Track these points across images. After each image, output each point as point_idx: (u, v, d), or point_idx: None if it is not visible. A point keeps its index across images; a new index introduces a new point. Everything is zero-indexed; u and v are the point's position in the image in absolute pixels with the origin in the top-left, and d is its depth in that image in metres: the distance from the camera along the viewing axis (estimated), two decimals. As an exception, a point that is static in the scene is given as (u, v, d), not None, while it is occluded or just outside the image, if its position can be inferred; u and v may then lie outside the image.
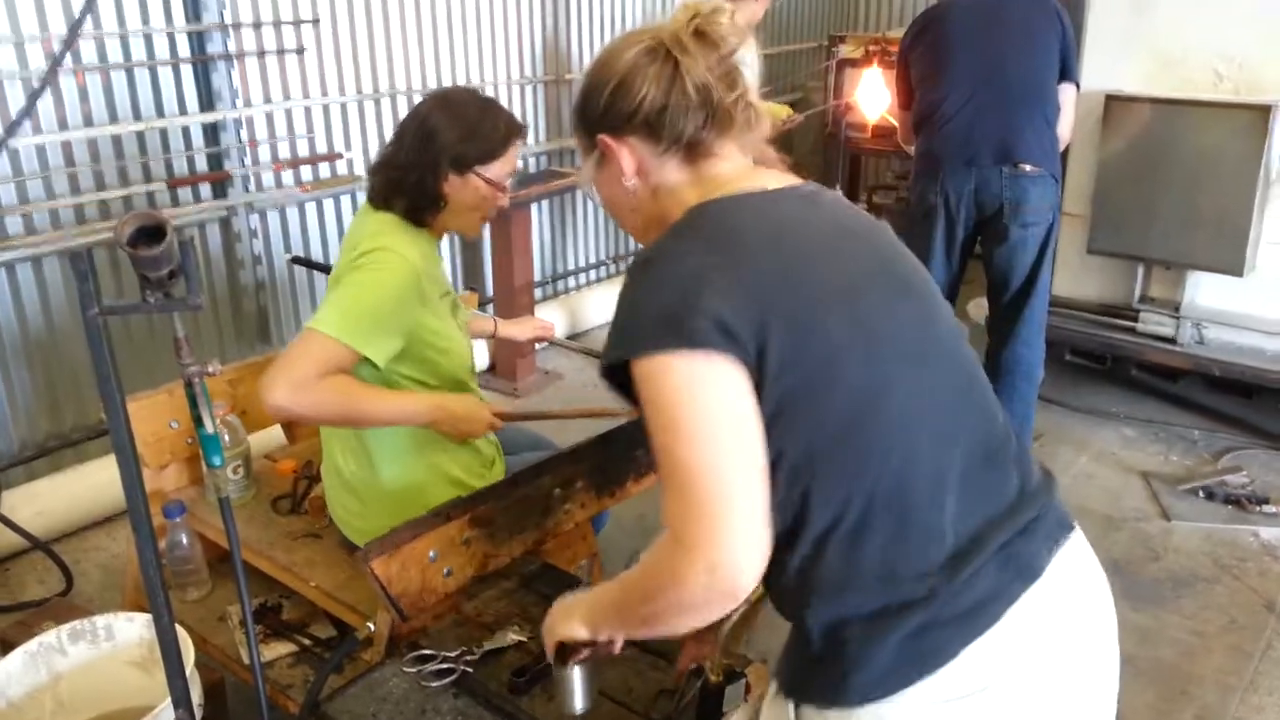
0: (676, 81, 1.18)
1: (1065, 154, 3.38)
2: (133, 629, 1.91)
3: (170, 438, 2.31)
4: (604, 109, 1.23)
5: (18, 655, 1.82)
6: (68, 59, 2.99)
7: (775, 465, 1.04)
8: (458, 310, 2.10)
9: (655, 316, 1.04)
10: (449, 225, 2.00)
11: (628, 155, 1.22)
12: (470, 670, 1.70)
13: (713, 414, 1.00)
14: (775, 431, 1.04)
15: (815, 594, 1.08)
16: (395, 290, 1.80)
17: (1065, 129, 3.24)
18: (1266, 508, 3.34)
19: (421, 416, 1.91)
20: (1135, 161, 3.65)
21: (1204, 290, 3.75)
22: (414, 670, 1.73)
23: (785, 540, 1.07)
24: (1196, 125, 3.50)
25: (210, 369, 1.28)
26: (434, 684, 1.69)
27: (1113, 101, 3.63)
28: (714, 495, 0.98)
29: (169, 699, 1.62)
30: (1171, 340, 3.81)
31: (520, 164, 2.15)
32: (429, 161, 1.88)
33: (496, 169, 1.93)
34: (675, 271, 1.06)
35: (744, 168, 1.23)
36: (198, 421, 1.32)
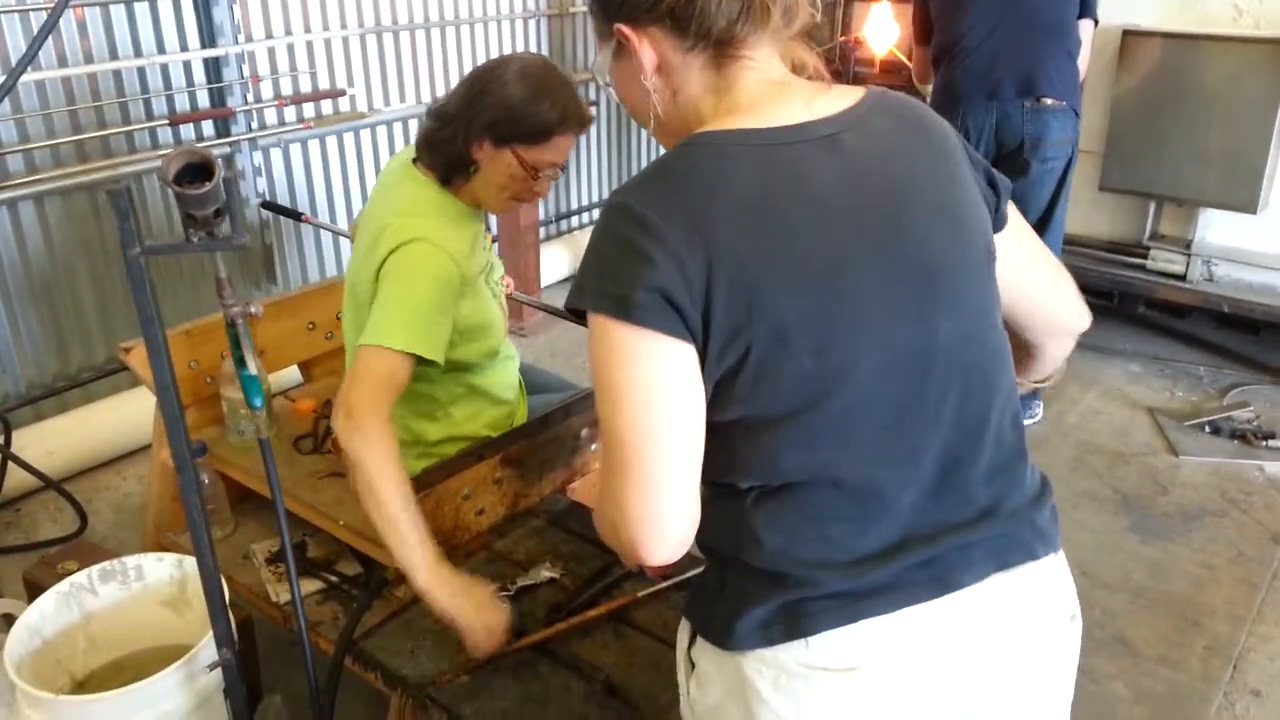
0: None
1: (1079, 89, 3.35)
2: (162, 569, 1.92)
3: (190, 378, 2.30)
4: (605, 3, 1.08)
5: (50, 596, 1.82)
6: (65, -9, 2.91)
7: (730, 423, 1.02)
8: (493, 272, 2.02)
9: (604, 277, 0.98)
10: (478, 196, 1.87)
11: (648, 48, 1.07)
12: (507, 606, 1.72)
13: (648, 393, 0.97)
14: (723, 397, 1.01)
15: (738, 545, 1.07)
16: (434, 286, 1.71)
17: (1082, 65, 3.21)
18: (1272, 442, 3.38)
19: (414, 570, 1.62)
20: (1150, 98, 3.62)
21: (1215, 227, 3.75)
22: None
23: (725, 489, 1.06)
24: (1214, 60, 3.46)
25: (253, 309, 1.27)
26: (470, 620, 1.71)
27: (1130, 36, 3.59)
28: (645, 477, 0.98)
29: (206, 637, 1.64)
30: (1181, 277, 3.82)
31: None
32: (469, 118, 1.75)
33: (537, 154, 1.77)
34: (633, 228, 0.97)
35: (770, 84, 1.07)
36: (239, 362, 1.31)
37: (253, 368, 1.31)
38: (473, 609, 1.61)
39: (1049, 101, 3.09)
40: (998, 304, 1.12)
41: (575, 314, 1.02)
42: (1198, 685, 2.38)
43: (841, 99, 1.07)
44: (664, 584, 1.74)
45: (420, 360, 1.70)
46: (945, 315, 1.04)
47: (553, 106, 1.73)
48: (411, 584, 1.62)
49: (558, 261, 4.67)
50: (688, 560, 1.08)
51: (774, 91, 1.07)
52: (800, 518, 1.04)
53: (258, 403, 1.36)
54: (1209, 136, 3.52)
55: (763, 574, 1.05)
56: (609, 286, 0.97)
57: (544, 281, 4.47)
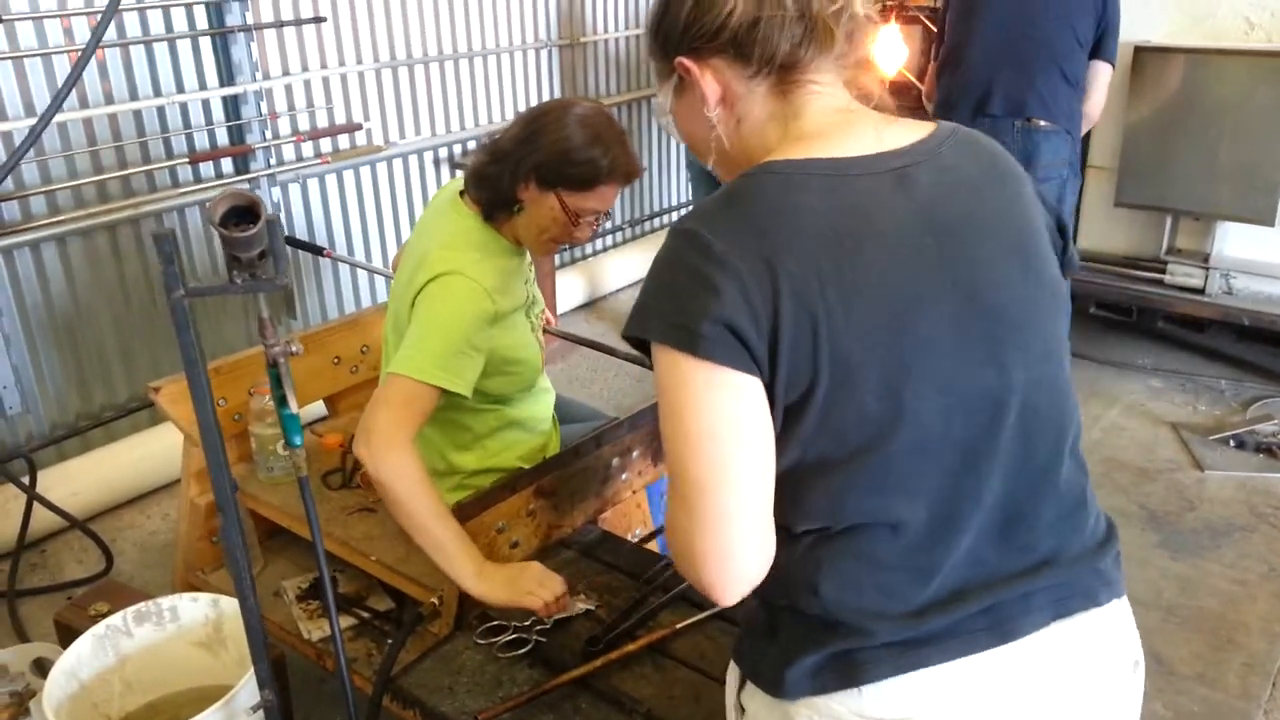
0: None
1: (1076, 114, 3.35)
2: (197, 609, 1.91)
3: (218, 415, 2.30)
4: (685, 25, 1.06)
5: (87, 639, 1.81)
6: (86, 34, 2.94)
7: (790, 464, 1.00)
8: (534, 306, 2.03)
9: (669, 309, 0.96)
10: (519, 235, 1.89)
11: (711, 80, 1.06)
12: (543, 640, 1.71)
13: (716, 426, 0.95)
14: (785, 436, 0.98)
15: (792, 592, 1.05)
16: (466, 319, 1.72)
17: (1094, 108, 3.26)
18: (1299, 456, 3.36)
19: (464, 579, 1.69)
20: (1164, 113, 3.63)
21: (1232, 240, 3.75)
22: (486, 642, 1.74)
23: (781, 533, 1.03)
24: (1226, 74, 3.48)
25: (294, 348, 1.27)
26: (508, 655, 1.70)
27: (1142, 52, 3.60)
28: (715, 514, 0.96)
29: (245, 678, 1.63)
30: (1200, 291, 3.81)
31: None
32: (519, 157, 1.76)
33: (580, 200, 1.78)
34: (701, 258, 0.95)
35: (838, 111, 1.05)
36: (281, 401, 1.31)
37: (294, 406, 1.31)
38: (532, 586, 1.69)
39: (1041, 123, 3.13)
40: (1066, 348, 1.10)
41: (636, 342, 1.01)
42: (1237, 703, 2.35)
43: (913, 131, 1.06)
44: (702, 615, 1.73)
45: (446, 391, 1.71)
46: (1014, 357, 1.02)
47: (604, 155, 1.74)
48: (467, 591, 1.68)
49: (574, 289, 4.68)
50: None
51: (842, 120, 1.05)
52: (858, 565, 1.02)
53: (298, 441, 1.36)
54: (1224, 150, 3.53)
55: (815, 621, 1.03)
56: (674, 317, 0.95)
57: (560, 309, 4.48)
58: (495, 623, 1.75)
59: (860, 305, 0.95)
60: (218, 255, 3.41)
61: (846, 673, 1.01)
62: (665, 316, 0.96)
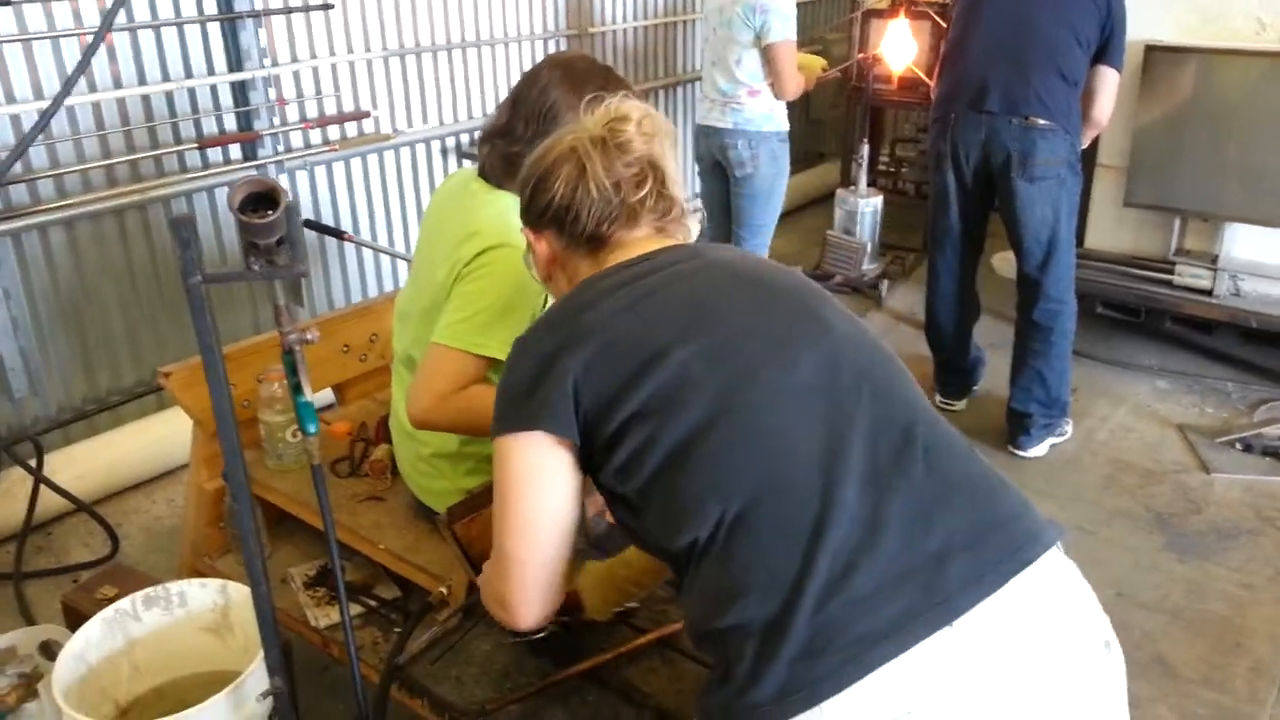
0: (582, 182, 1.29)
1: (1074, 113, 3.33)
2: (206, 595, 1.91)
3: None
4: (526, 203, 1.36)
5: (96, 622, 1.81)
6: (95, 18, 2.94)
7: (642, 488, 1.14)
8: None
9: (500, 401, 1.21)
10: None
11: (545, 247, 1.36)
12: (555, 631, 1.70)
13: (528, 509, 1.19)
14: (634, 463, 1.13)
15: (706, 609, 1.11)
16: (516, 286, 1.74)
17: (1101, 113, 3.24)
18: (1304, 459, 3.36)
19: None
20: (1174, 113, 3.62)
21: (1241, 242, 3.73)
22: (494, 631, 1.73)
23: (677, 560, 1.15)
24: (1237, 75, 3.46)
25: (309, 336, 1.26)
26: (516, 644, 1.70)
27: (1152, 52, 3.59)
28: (517, 579, 1.22)
29: (253, 664, 1.63)
30: (1208, 292, 3.79)
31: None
32: (543, 128, 1.76)
33: None
34: (521, 360, 1.21)
35: (636, 242, 1.31)
36: (296, 389, 1.31)
37: (309, 394, 1.31)
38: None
39: (1039, 121, 3.12)
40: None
41: None
42: (1243, 708, 2.35)
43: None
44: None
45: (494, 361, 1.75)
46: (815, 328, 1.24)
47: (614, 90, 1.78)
48: None
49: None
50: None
51: (635, 245, 1.31)
52: (746, 553, 1.09)
53: (312, 429, 1.36)
54: (1233, 151, 3.52)
55: (757, 630, 1.05)
56: (499, 409, 1.25)
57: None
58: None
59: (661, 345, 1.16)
60: (226, 241, 3.40)
61: (811, 689, 1.02)
62: (497, 408, 1.27)
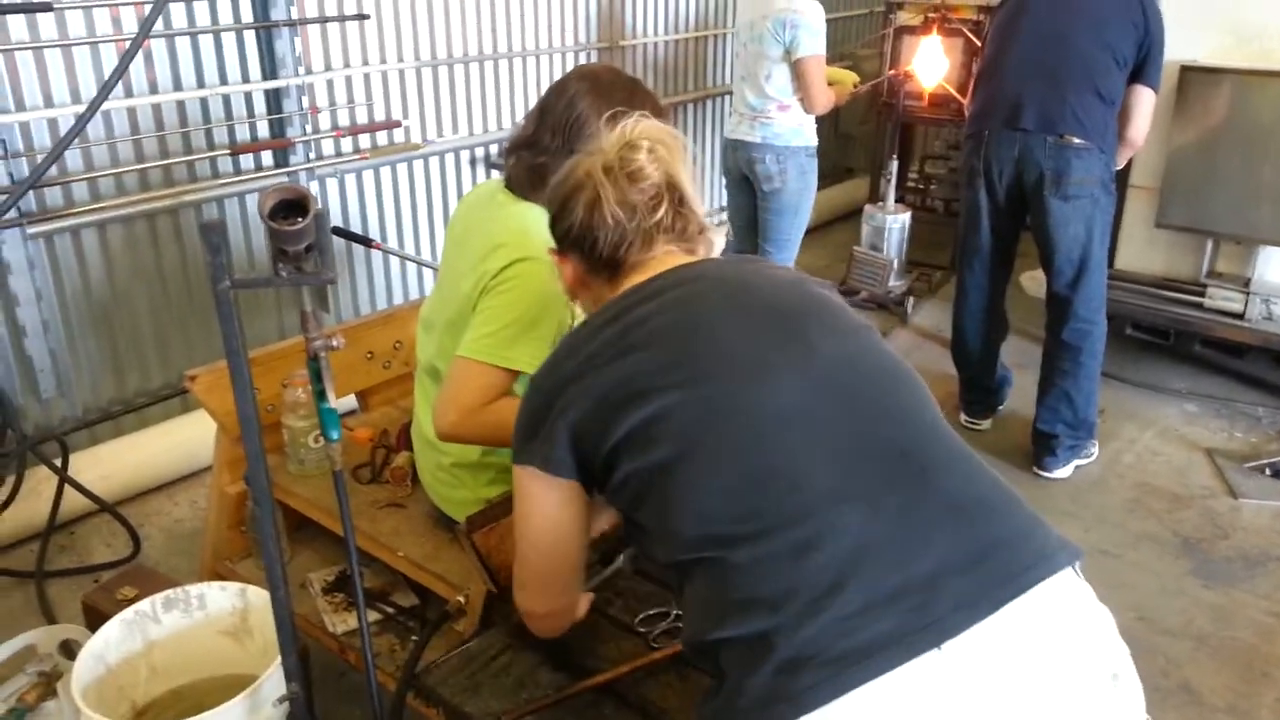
0: (598, 210, 1.33)
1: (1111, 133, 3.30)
2: (225, 598, 1.92)
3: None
4: (551, 225, 1.42)
5: (115, 623, 1.83)
6: (132, 23, 2.98)
7: (637, 500, 1.20)
8: None
9: (514, 432, 1.31)
10: None
11: (569, 269, 1.41)
12: (568, 643, 1.70)
13: (534, 528, 1.32)
14: (633, 477, 1.19)
15: (696, 623, 1.15)
16: (544, 300, 1.75)
17: (1138, 133, 3.21)
18: (1335, 487, 3.30)
19: None
20: (1208, 134, 3.58)
21: (1274, 265, 3.68)
22: (511, 642, 1.73)
23: (677, 573, 1.20)
24: (1273, 96, 3.42)
25: (335, 343, 1.27)
26: (532, 656, 1.69)
27: (1188, 73, 3.55)
28: (529, 581, 1.40)
29: (270, 669, 1.64)
30: (1239, 316, 3.74)
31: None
32: (578, 150, 1.71)
33: None
34: (528, 399, 1.31)
35: (657, 261, 1.35)
36: (320, 395, 1.31)
37: (333, 400, 1.31)
38: None
39: (1074, 140, 3.10)
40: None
41: None
42: (1271, 738, 2.31)
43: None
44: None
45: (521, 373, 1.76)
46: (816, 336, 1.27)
47: (644, 108, 1.77)
48: None
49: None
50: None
51: (650, 267, 1.35)
52: (740, 567, 1.10)
53: (335, 435, 1.36)
54: (1268, 173, 3.47)
55: (742, 641, 1.07)
56: (516, 443, 1.36)
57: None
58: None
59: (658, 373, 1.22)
60: (255, 247, 3.43)
61: (793, 700, 1.02)
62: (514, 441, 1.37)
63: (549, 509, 1.30)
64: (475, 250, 1.83)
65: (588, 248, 1.35)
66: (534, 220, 1.83)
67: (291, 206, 1.08)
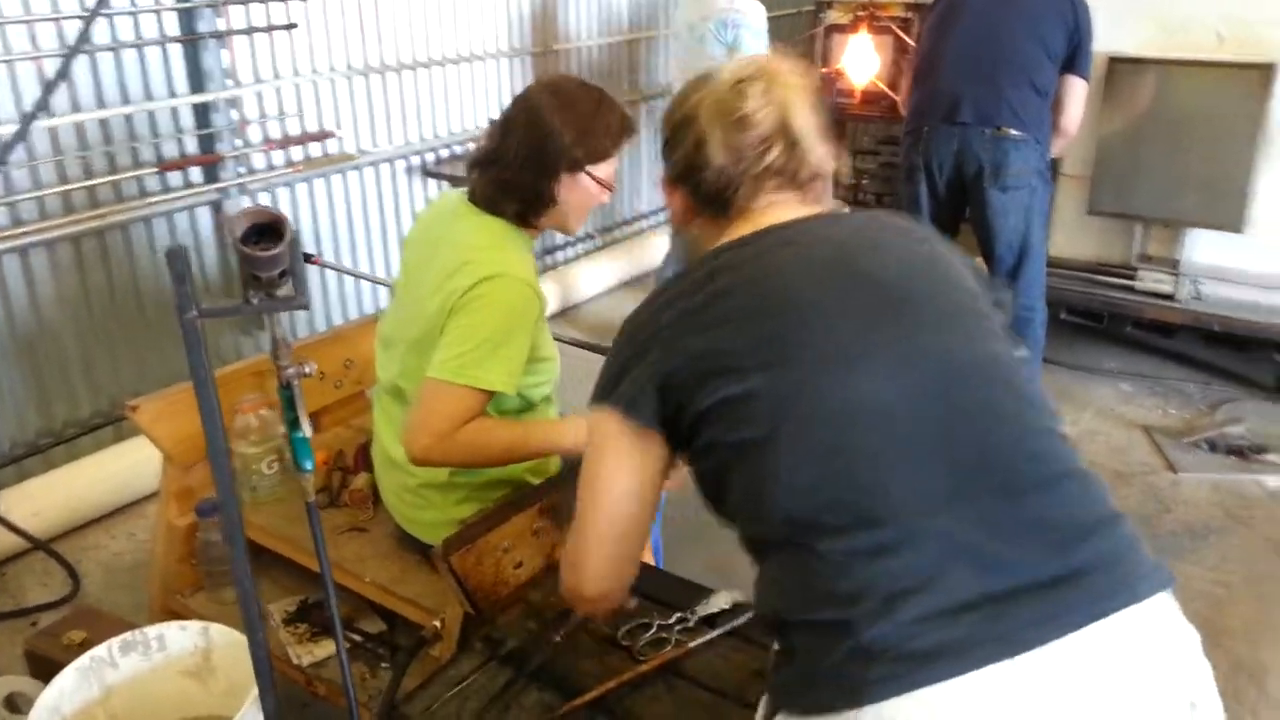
0: (702, 149, 1.27)
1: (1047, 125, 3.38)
2: (186, 638, 1.85)
3: (199, 434, 2.22)
4: (662, 155, 1.37)
5: (70, 672, 1.74)
6: (54, 40, 2.85)
7: (724, 470, 1.16)
8: None
9: (601, 372, 1.24)
10: (550, 224, 1.90)
11: (678, 200, 1.35)
12: (551, 661, 1.67)
13: (603, 477, 1.23)
14: (715, 449, 1.16)
15: (769, 599, 1.15)
16: (513, 318, 1.73)
17: (1070, 123, 3.31)
18: (1268, 456, 3.43)
19: (575, 443, 1.73)
20: (1136, 122, 3.69)
21: (1201, 247, 3.80)
22: (492, 664, 1.69)
23: (755, 548, 1.17)
24: (1198, 85, 3.54)
25: (307, 369, 1.22)
26: (515, 677, 1.66)
27: (1115, 63, 3.65)
28: (588, 552, 1.27)
29: (244, 709, 1.58)
30: (1170, 297, 3.86)
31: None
32: (545, 164, 1.77)
33: (606, 168, 1.83)
34: (622, 341, 1.25)
35: (763, 211, 1.29)
36: (293, 424, 1.26)
37: (306, 430, 1.26)
38: None
39: (1011, 132, 3.18)
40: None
41: None
42: (1226, 704, 2.36)
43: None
44: (714, 633, 1.70)
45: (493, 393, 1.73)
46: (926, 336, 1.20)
47: (610, 120, 1.82)
48: (571, 450, 1.77)
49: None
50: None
51: (757, 216, 1.29)
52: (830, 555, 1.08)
53: (309, 465, 1.31)
54: (1194, 159, 3.59)
55: (824, 630, 1.06)
56: (599, 385, 1.29)
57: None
58: (500, 643, 1.70)
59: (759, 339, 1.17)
60: (195, 269, 3.31)
61: (853, 691, 1.01)
62: (598, 383, 1.29)
63: (625, 459, 1.21)
64: (441, 267, 1.79)
65: (693, 185, 1.30)
66: (502, 235, 1.79)
67: (264, 231, 1.03)
